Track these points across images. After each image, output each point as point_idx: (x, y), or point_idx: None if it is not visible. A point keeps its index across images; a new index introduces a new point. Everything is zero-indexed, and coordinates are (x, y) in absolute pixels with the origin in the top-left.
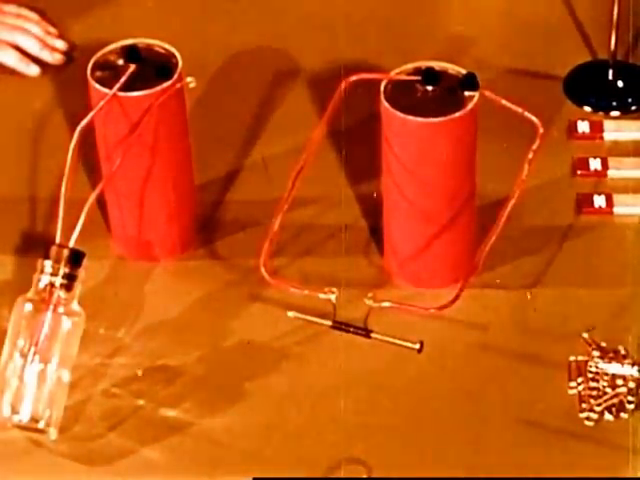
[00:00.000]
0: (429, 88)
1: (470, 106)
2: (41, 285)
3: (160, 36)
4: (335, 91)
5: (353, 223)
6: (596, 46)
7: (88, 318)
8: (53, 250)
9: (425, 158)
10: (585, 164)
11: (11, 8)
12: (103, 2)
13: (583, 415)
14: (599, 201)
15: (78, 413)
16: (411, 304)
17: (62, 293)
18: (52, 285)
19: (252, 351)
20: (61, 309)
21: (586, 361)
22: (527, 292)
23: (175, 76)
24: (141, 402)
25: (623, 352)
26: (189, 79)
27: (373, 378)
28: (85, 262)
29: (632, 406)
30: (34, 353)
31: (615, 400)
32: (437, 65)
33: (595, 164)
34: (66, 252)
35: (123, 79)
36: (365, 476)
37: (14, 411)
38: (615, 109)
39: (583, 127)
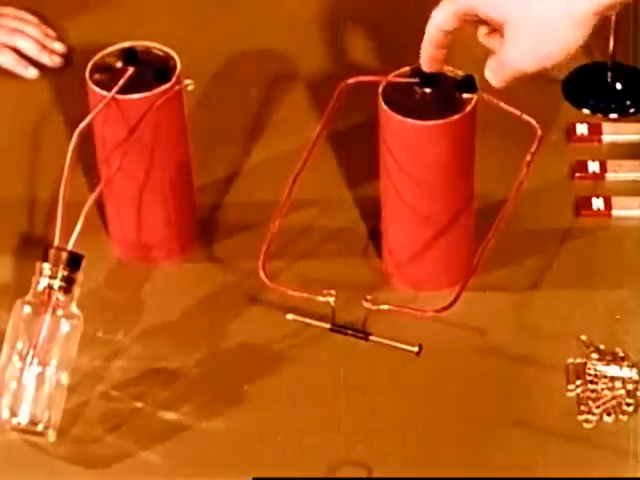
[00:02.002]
0: (427, 90)
1: (468, 108)
2: (40, 288)
3: (158, 38)
4: (333, 93)
5: (351, 226)
6: (594, 48)
7: (87, 321)
8: (52, 253)
9: (423, 160)
10: (584, 167)
11: (10, 10)
12: (101, 4)
13: (582, 417)
14: (597, 204)
15: (77, 416)
16: (410, 307)
17: (61, 296)
18: (51, 288)
19: (251, 353)
20: (60, 312)
21: (584, 363)
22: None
23: (174, 78)
24: (140, 405)
25: (621, 354)
26: (187, 81)
27: (372, 380)
28: (84, 265)
29: (631, 408)
30: (33, 356)
31: (614, 402)
32: None
33: (594, 167)
34: (65, 255)
35: (122, 82)
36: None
37: (13, 414)
38: (614, 111)
39: (582, 129)
